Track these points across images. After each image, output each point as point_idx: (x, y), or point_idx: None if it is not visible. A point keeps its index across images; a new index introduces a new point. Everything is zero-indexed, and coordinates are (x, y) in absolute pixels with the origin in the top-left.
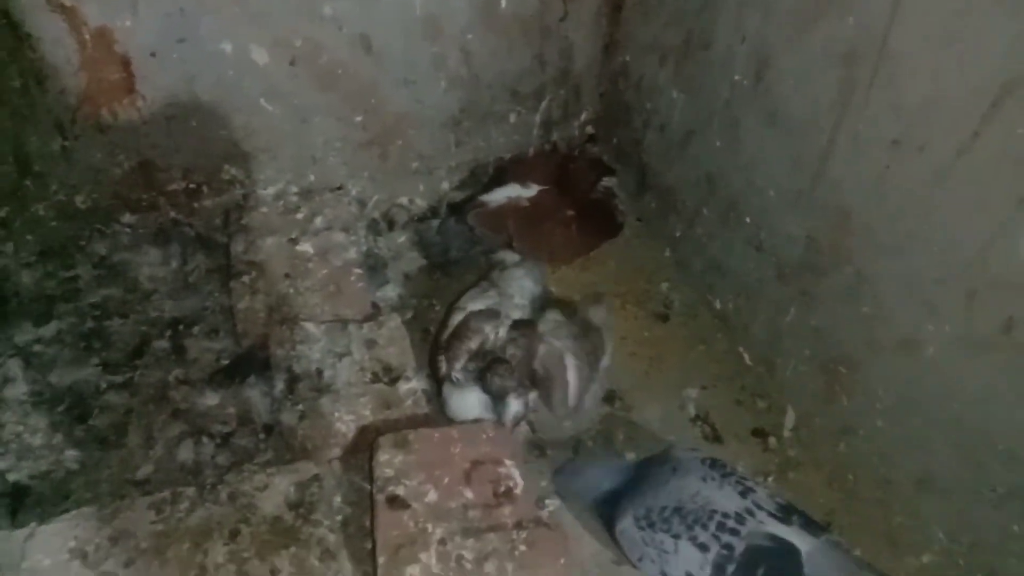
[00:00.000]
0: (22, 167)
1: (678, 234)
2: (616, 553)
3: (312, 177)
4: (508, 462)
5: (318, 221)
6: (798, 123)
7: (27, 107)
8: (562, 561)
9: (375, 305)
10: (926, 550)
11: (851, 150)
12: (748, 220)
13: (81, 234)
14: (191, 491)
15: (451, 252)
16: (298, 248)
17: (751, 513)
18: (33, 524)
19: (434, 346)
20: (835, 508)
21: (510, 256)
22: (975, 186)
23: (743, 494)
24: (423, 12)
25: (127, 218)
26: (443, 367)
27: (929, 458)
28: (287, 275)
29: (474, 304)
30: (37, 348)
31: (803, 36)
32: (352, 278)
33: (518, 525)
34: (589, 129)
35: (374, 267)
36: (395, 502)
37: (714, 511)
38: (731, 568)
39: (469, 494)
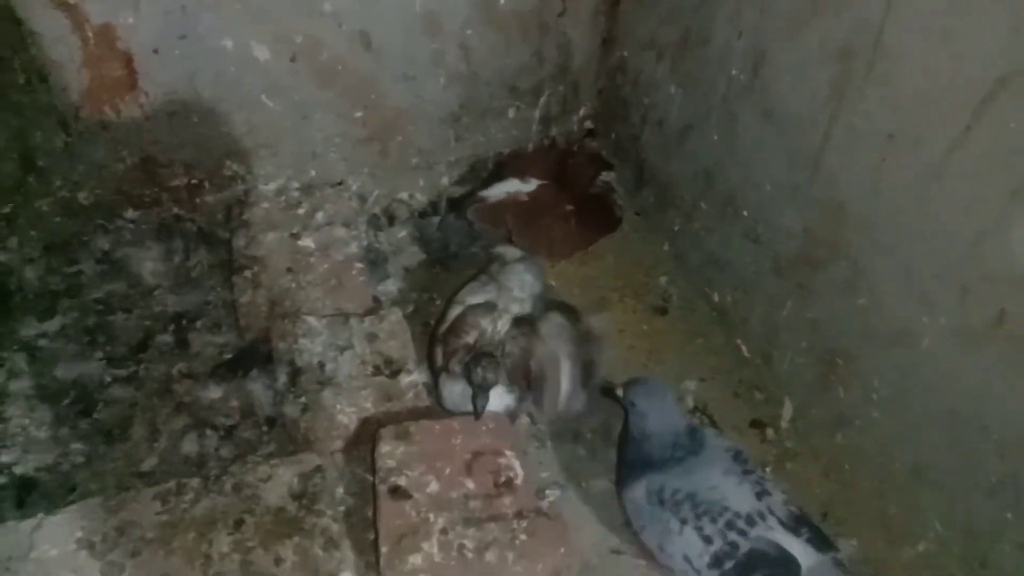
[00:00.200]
0: (26, 163)
1: (676, 228)
2: (615, 543)
3: (313, 173)
4: (508, 453)
5: (319, 216)
6: (795, 118)
7: (30, 104)
8: (562, 550)
9: (376, 299)
10: (921, 539)
11: (847, 144)
12: (745, 214)
13: (84, 230)
14: (196, 482)
15: (451, 247)
16: (299, 243)
17: (762, 517)
18: (40, 515)
19: (432, 338)
20: (832, 498)
21: (510, 251)
22: (969, 180)
23: (759, 496)
24: (422, 8)
25: (130, 214)
26: (440, 360)
27: (924, 448)
28: (289, 269)
29: (473, 298)
30: (42, 343)
31: (799, 32)
32: (353, 272)
33: (518, 515)
34: (588, 124)
35: (375, 262)
36: (397, 492)
37: (727, 508)
38: (729, 564)
39: (470, 484)
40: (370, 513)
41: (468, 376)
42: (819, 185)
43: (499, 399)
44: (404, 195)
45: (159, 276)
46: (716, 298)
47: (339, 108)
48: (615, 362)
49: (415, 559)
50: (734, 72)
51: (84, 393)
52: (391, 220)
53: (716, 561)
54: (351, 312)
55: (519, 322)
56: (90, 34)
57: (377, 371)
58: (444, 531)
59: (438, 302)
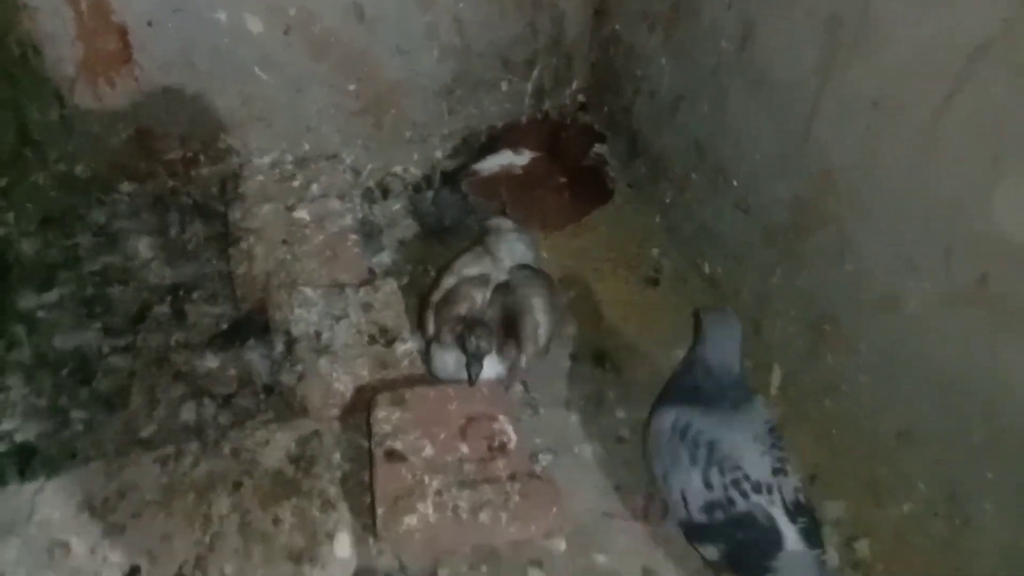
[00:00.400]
0: (22, 136)
1: (668, 200)
2: (607, 506)
3: (307, 146)
4: (502, 418)
5: (314, 188)
6: (783, 87)
7: (26, 77)
8: (554, 511)
9: (371, 271)
10: (907, 500)
11: (835, 113)
12: (736, 184)
13: (81, 203)
14: (195, 447)
15: (445, 220)
16: (295, 215)
17: (769, 490)
18: (42, 479)
19: (424, 306)
20: (821, 462)
21: (504, 223)
22: (952, 145)
23: (775, 472)
24: None
25: (126, 187)
26: (431, 329)
27: (910, 411)
28: (284, 241)
29: (467, 269)
30: (40, 314)
31: (788, 2)
32: (348, 244)
33: (512, 477)
34: (580, 97)
35: (369, 235)
36: (393, 456)
37: (739, 468)
38: (720, 516)
39: (464, 448)
40: (366, 478)
41: (462, 344)
42: (808, 154)
43: (492, 367)
44: (398, 168)
45: (155, 248)
46: (707, 268)
47: (333, 81)
48: (608, 332)
49: (410, 519)
50: (724, 43)
51: (83, 363)
52: (385, 193)
53: (709, 508)
54: (346, 283)
55: (498, 288)
56: (84, 7)
57: (372, 340)
58: (439, 493)
59: (432, 273)
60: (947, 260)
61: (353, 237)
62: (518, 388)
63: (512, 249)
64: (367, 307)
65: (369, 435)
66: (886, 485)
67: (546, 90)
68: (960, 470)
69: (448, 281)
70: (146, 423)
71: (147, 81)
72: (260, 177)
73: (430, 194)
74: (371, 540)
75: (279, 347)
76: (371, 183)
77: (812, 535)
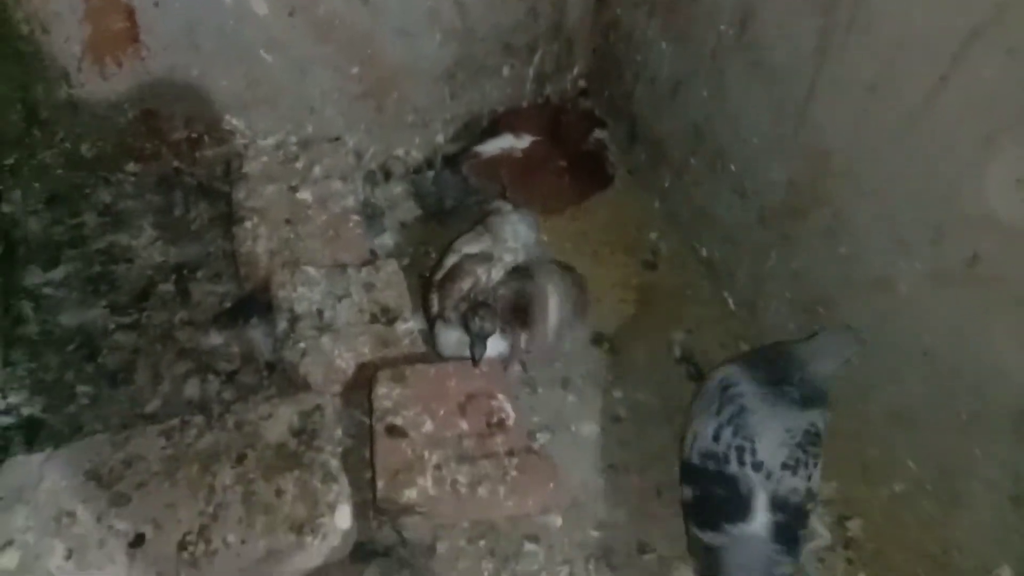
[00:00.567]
0: (29, 115)
1: (667, 185)
2: (603, 484)
3: (310, 128)
4: (500, 396)
5: (317, 170)
6: (781, 71)
7: (34, 56)
8: (551, 486)
9: (373, 252)
10: (897, 479)
11: (831, 95)
12: (733, 168)
13: (87, 182)
14: (199, 420)
15: (446, 202)
16: (298, 196)
17: (768, 477)
18: (49, 449)
19: (427, 285)
20: None
21: (504, 206)
22: (945, 126)
23: (784, 466)
24: None
25: (131, 167)
26: (435, 305)
27: (901, 392)
28: (287, 221)
29: (469, 247)
30: (46, 291)
31: None
32: (350, 225)
33: (510, 453)
34: (581, 83)
35: (371, 217)
36: (393, 431)
37: (752, 441)
38: (711, 465)
39: (464, 424)
40: (367, 454)
41: (466, 325)
42: (804, 136)
43: (494, 345)
44: (400, 152)
45: (160, 228)
46: (704, 252)
47: (336, 63)
48: (606, 314)
49: (410, 493)
50: (723, 27)
51: (88, 339)
52: (387, 176)
53: (706, 455)
54: (348, 263)
55: (516, 270)
56: None
57: (374, 319)
58: (438, 467)
59: (433, 255)
60: (938, 240)
61: (355, 218)
62: (517, 368)
63: (515, 231)
64: (369, 287)
65: (370, 411)
66: (877, 464)
67: (547, 75)
68: (949, 448)
69: (451, 259)
70: (151, 398)
71: (153, 61)
72: (264, 158)
73: (431, 174)
74: (371, 514)
75: (282, 325)
76: (373, 166)
77: (783, 534)
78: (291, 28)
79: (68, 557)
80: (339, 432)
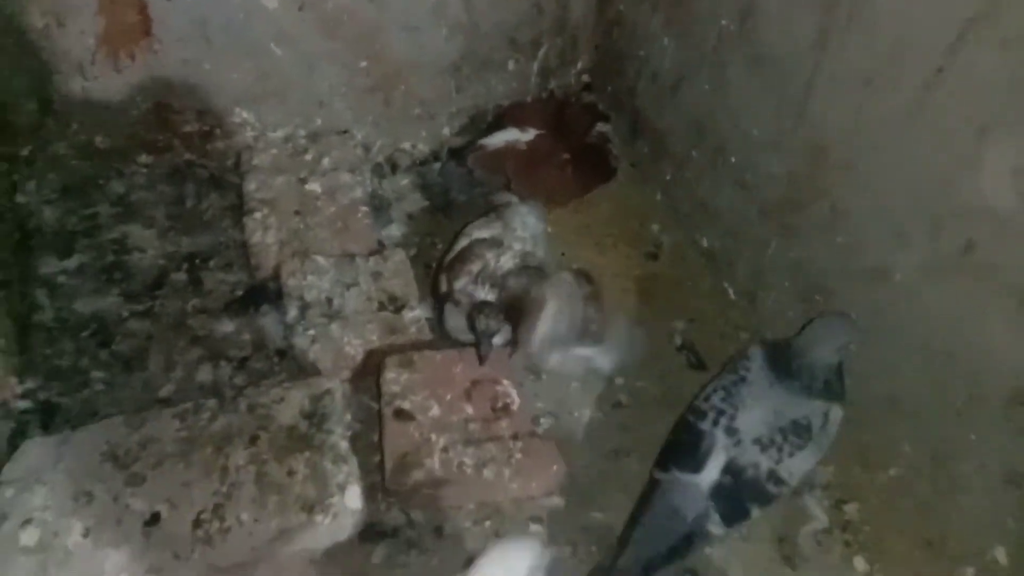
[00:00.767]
0: (44, 107)
1: (668, 178)
2: (605, 468)
3: (319, 121)
4: (505, 381)
5: (325, 162)
6: (781, 64)
7: (49, 48)
8: (554, 469)
9: (380, 243)
10: (893, 464)
11: (829, 90)
12: (734, 161)
13: (100, 173)
14: (212, 403)
15: (452, 194)
16: (307, 187)
17: (736, 444)
18: (67, 431)
19: (438, 267)
20: None
21: (512, 197)
22: (941, 118)
23: (756, 441)
24: None
25: (143, 159)
26: (444, 286)
27: (897, 378)
28: (297, 212)
29: (479, 232)
30: (61, 279)
31: None
32: (358, 216)
33: (514, 436)
34: (585, 77)
35: (379, 208)
36: (401, 415)
37: (734, 408)
38: (690, 416)
39: (469, 409)
40: (375, 439)
41: (472, 325)
42: (803, 130)
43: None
44: (407, 145)
45: (172, 218)
46: (705, 244)
47: (344, 58)
48: (608, 304)
49: (418, 474)
50: (724, 22)
51: (103, 326)
52: (394, 169)
53: (689, 410)
54: (356, 253)
55: (532, 268)
56: None
57: (382, 307)
58: (445, 450)
59: (439, 245)
60: (935, 230)
61: (363, 209)
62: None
63: (524, 222)
64: (377, 276)
65: (379, 395)
66: (874, 450)
67: (551, 70)
68: (944, 433)
69: (462, 243)
70: (164, 383)
71: (165, 55)
72: (273, 151)
73: (437, 166)
74: (379, 496)
75: (292, 313)
76: (380, 158)
77: (726, 498)
78: (300, 23)
79: (86, 535)
80: (348, 416)
